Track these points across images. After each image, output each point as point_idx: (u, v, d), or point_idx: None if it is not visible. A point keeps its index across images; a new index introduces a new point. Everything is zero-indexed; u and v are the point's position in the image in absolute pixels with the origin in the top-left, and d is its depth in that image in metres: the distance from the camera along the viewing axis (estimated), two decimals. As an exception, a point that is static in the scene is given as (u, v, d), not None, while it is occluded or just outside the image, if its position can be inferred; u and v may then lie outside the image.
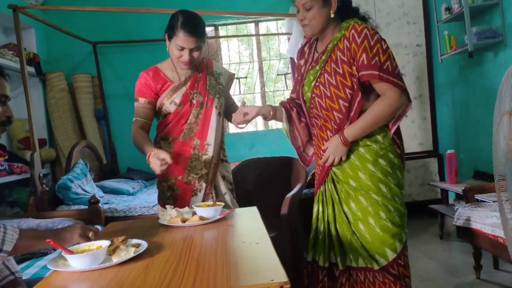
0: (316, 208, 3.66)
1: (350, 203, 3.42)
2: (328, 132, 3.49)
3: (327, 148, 3.44)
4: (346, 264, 3.48)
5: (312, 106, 3.51)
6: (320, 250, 3.57)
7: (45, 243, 2.36)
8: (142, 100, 3.86)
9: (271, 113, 3.71)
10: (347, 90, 3.30)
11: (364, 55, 3.20)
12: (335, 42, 3.34)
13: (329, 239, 3.54)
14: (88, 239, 2.49)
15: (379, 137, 3.40)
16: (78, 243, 2.48)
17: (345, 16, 3.41)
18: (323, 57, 3.40)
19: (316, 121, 3.58)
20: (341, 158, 3.40)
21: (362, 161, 3.39)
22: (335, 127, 3.43)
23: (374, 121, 3.29)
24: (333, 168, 3.50)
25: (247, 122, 3.64)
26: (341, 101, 3.34)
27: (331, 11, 3.34)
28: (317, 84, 3.43)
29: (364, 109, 3.33)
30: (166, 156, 3.44)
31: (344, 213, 3.46)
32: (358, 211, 3.39)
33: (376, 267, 3.36)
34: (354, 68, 3.26)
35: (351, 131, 3.32)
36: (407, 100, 3.31)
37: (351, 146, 3.38)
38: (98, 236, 2.55)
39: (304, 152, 3.89)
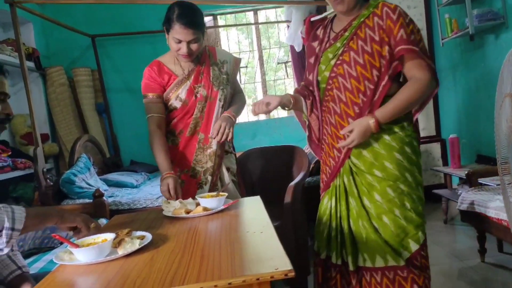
0: (329, 203, 3.47)
1: (374, 195, 3.24)
2: (349, 119, 3.25)
3: (351, 131, 3.17)
4: (358, 265, 3.34)
5: (329, 87, 3.31)
6: (333, 247, 3.43)
7: (51, 220, 2.44)
8: (151, 95, 3.85)
9: (292, 103, 3.46)
10: (374, 72, 3.14)
11: (402, 31, 3.06)
12: (362, 19, 3.18)
13: (341, 237, 3.39)
14: (88, 228, 2.52)
15: (405, 124, 3.26)
16: (79, 228, 2.51)
17: None
18: (346, 34, 3.23)
19: (333, 106, 3.33)
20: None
21: (388, 149, 3.22)
22: (358, 112, 3.22)
23: (406, 105, 3.13)
24: (352, 158, 3.31)
25: (269, 112, 3.53)
26: (367, 83, 3.16)
27: None
28: (338, 62, 3.23)
29: (390, 94, 3.17)
30: (174, 191, 3.51)
31: (364, 207, 3.29)
32: (384, 203, 3.22)
33: (402, 263, 3.22)
34: (386, 48, 3.11)
35: (383, 113, 3.12)
36: (435, 85, 3.20)
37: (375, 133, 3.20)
38: (100, 230, 2.58)
39: (319, 143, 3.64)
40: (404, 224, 3.22)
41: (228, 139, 3.82)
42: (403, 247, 3.24)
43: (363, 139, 3.14)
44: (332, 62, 3.25)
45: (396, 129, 3.22)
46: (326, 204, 3.48)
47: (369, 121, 3.10)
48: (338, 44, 3.24)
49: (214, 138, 3.80)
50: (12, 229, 2.16)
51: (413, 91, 3.09)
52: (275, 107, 3.39)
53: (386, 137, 3.21)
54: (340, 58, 3.21)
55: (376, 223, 3.25)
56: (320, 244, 3.52)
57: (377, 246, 3.23)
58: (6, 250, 2.24)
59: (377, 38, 3.11)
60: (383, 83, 3.14)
